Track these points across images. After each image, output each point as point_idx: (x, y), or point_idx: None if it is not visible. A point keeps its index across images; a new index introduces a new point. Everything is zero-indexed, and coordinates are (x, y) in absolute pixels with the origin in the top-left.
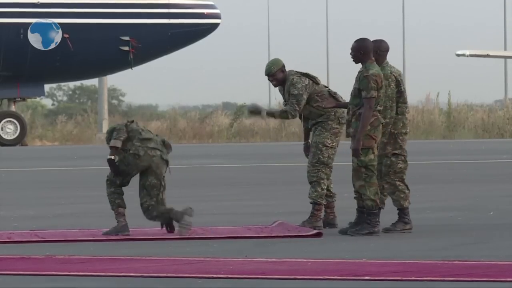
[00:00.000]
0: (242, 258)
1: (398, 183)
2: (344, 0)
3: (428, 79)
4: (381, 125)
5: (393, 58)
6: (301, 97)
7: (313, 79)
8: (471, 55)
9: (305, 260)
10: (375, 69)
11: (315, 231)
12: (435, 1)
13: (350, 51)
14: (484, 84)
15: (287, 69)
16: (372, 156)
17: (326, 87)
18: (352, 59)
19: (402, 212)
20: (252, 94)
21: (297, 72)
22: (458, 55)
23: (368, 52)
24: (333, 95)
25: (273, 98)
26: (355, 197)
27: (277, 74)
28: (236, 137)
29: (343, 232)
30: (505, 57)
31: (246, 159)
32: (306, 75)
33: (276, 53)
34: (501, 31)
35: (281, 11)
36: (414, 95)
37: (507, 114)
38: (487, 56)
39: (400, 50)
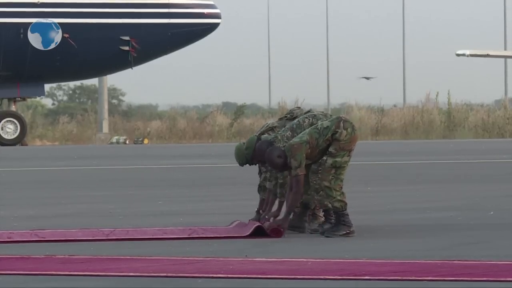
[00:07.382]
0: (242, 258)
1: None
2: None
3: (428, 78)
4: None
5: (393, 57)
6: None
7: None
8: (471, 55)
9: (305, 260)
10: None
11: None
12: (435, 1)
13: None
14: (484, 84)
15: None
16: (347, 158)
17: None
18: None
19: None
20: (252, 94)
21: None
22: (458, 55)
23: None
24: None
25: (273, 98)
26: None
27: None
28: (236, 137)
29: (322, 232)
30: (505, 57)
31: None
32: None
33: (277, 53)
34: (501, 31)
35: (281, 10)
36: (413, 95)
37: (507, 114)
38: (487, 56)
39: (400, 49)
